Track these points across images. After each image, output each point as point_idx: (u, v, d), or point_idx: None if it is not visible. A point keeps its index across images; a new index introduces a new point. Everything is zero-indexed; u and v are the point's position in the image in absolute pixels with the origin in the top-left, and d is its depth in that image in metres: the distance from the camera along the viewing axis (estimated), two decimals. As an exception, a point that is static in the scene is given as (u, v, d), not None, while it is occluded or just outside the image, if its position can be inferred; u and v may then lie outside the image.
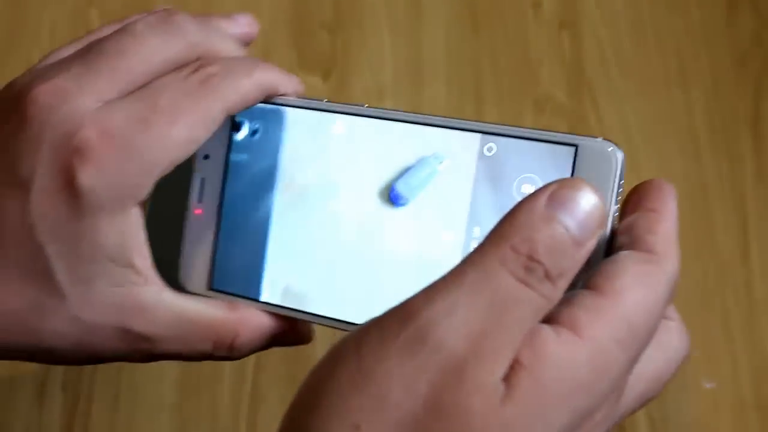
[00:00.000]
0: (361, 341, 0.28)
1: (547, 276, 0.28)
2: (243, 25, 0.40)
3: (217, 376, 0.55)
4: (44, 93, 0.34)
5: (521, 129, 0.34)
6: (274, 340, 0.38)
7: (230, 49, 0.38)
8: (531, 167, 0.34)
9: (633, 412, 0.32)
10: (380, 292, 0.36)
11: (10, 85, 0.36)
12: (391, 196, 0.36)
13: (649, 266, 0.29)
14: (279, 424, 0.28)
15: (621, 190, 0.33)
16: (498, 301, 0.27)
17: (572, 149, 0.33)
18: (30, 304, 0.35)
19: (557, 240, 0.28)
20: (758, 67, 0.63)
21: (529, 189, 0.34)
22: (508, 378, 0.27)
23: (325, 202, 0.37)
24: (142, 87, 0.35)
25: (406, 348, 0.27)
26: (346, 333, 0.29)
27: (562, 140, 0.33)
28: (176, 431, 0.54)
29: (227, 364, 0.55)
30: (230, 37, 0.39)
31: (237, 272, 0.38)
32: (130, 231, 0.35)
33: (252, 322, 0.37)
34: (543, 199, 0.28)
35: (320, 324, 0.37)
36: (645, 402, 0.32)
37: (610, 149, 0.33)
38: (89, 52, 0.36)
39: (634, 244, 0.30)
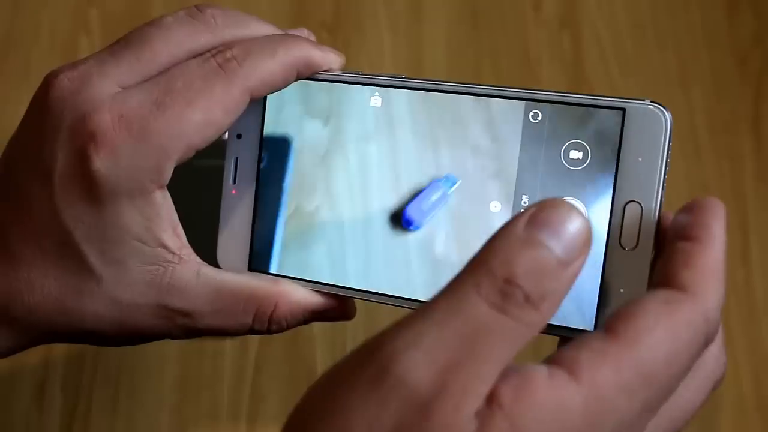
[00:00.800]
0: (335, 372, 0.27)
1: (528, 300, 0.25)
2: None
3: (217, 376, 0.55)
4: (68, 78, 0.35)
5: (567, 94, 0.34)
6: (314, 315, 0.38)
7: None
8: (578, 133, 0.33)
9: None
10: (424, 267, 0.35)
11: (47, 75, 0.36)
12: (403, 221, 0.36)
13: (674, 306, 0.27)
14: None
15: (670, 152, 0.32)
16: (469, 331, 0.25)
17: (620, 113, 0.33)
18: (68, 288, 0.35)
19: (538, 261, 0.26)
20: (758, 67, 0.63)
21: (576, 155, 0.33)
22: (481, 415, 0.25)
23: (364, 179, 0.37)
24: (162, 73, 0.35)
25: (369, 382, 0.25)
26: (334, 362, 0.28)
27: (608, 104, 0.33)
28: (176, 431, 0.54)
29: (227, 364, 0.55)
30: (267, 29, 0.37)
31: (275, 251, 0.38)
32: (155, 213, 0.35)
33: (291, 295, 0.37)
34: (522, 221, 0.27)
35: (360, 298, 0.37)
36: None
37: (659, 111, 0.32)
38: (117, 43, 0.36)
39: (665, 281, 0.28)
